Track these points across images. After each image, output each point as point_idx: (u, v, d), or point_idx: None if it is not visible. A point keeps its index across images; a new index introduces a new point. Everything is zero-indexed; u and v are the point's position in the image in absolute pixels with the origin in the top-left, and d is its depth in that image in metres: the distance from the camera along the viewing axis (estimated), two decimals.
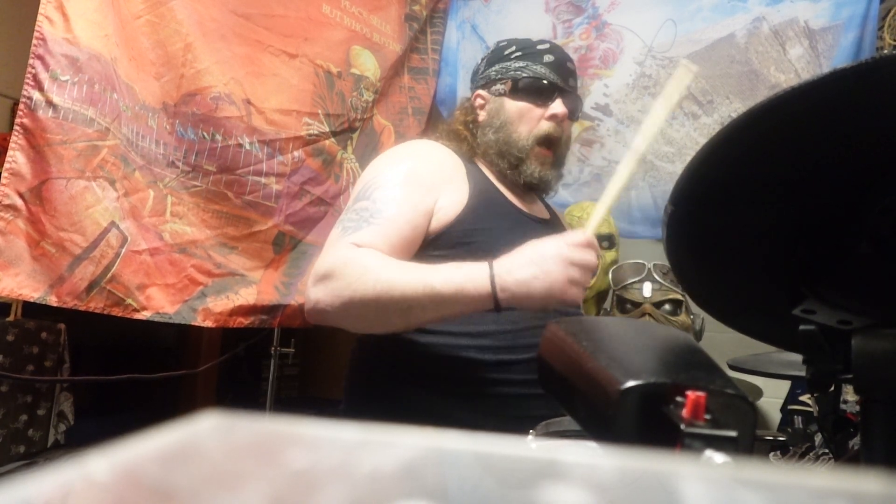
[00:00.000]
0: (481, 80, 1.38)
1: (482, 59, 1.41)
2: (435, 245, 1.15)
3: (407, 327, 1.05)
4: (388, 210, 1.11)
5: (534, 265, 0.97)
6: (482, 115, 1.35)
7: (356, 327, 1.08)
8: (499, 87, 1.33)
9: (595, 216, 1.06)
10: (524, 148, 1.28)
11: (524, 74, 1.30)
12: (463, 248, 1.14)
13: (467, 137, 1.33)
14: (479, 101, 1.36)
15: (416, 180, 1.18)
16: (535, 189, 1.34)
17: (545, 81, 1.30)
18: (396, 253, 1.08)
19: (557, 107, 1.29)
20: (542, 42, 1.35)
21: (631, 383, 0.41)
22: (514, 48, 1.35)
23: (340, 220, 1.14)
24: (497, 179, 1.31)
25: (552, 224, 1.37)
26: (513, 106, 1.30)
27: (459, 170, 1.24)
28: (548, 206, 1.43)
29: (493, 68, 1.35)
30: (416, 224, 1.14)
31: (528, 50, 1.33)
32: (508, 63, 1.33)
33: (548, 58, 1.31)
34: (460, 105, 1.42)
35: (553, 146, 1.31)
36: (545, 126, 1.29)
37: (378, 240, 1.07)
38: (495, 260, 1.00)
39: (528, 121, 1.30)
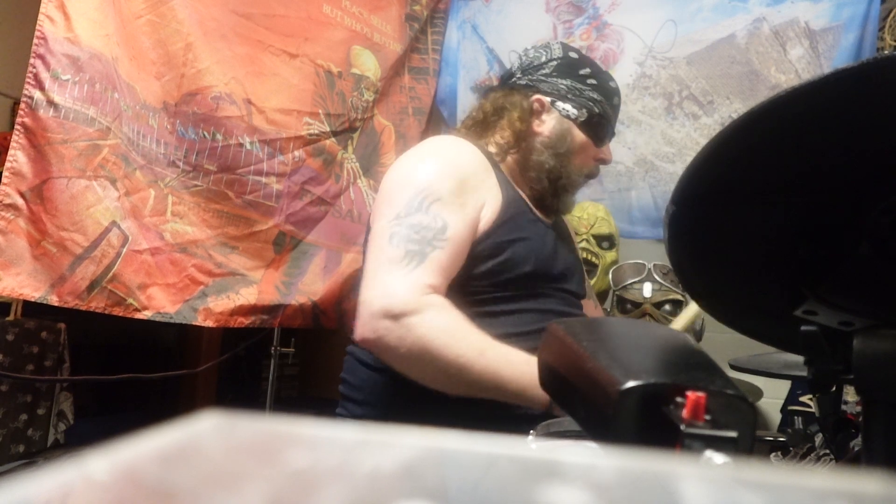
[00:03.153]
0: (545, 84, 1.29)
1: (547, 58, 1.30)
2: (471, 253, 1.14)
3: (454, 394, 1.05)
4: (450, 230, 1.09)
5: None
6: (538, 126, 1.28)
7: (409, 374, 1.05)
8: (568, 108, 1.27)
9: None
10: (575, 183, 1.30)
11: (598, 111, 1.27)
12: (495, 258, 1.15)
13: (511, 143, 1.28)
14: (537, 107, 1.28)
15: (467, 189, 1.15)
16: (559, 213, 1.37)
17: (610, 125, 1.31)
18: (454, 273, 1.10)
19: (609, 154, 1.33)
20: (612, 79, 1.33)
21: (631, 383, 0.41)
22: (588, 70, 1.29)
23: (395, 233, 1.07)
24: (518, 186, 1.29)
25: (557, 226, 1.37)
26: (579, 137, 1.27)
27: (492, 175, 1.22)
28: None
29: (565, 82, 1.28)
30: (469, 240, 1.14)
31: (602, 83, 1.29)
32: (583, 87, 1.27)
33: (616, 100, 1.31)
34: (517, 101, 1.30)
35: (585, 181, 1.35)
36: (593, 167, 1.32)
37: (442, 271, 1.07)
38: None
39: (585, 157, 1.30)
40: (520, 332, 1.12)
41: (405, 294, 1.02)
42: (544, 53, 1.32)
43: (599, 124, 1.28)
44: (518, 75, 1.33)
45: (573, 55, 1.31)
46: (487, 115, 1.32)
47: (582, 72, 1.29)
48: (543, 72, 1.30)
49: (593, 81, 1.28)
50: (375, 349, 1.05)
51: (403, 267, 1.05)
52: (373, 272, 1.08)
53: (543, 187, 1.28)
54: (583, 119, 1.27)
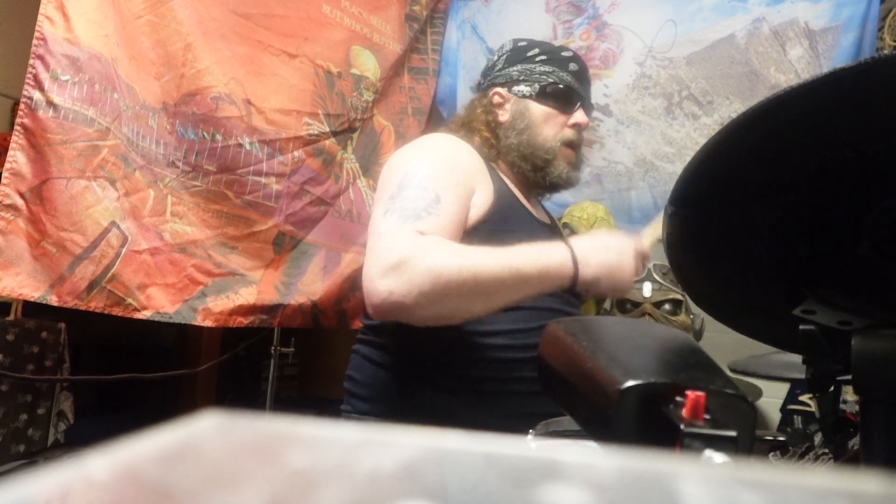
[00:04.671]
0: (499, 77, 1.35)
1: (499, 56, 1.38)
2: (465, 243, 1.14)
3: (487, 311, 1.03)
4: (444, 200, 1.08)
5: (614, 254, 1.05)
6: (502, 116, 1.33)
7: (433, 316, 1.01)
8: (522, 88, 1.32)
9: (651, 232, 1.16)
10: (551, 149, 1.30)
11: (551, 80, 1.30)
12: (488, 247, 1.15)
13: (489, 139, 1.32)
14: (497, 100, 1.34)
15: (458, 173, 1.16)
16: (558, 189, 1.37)
17: (571, 90, 1.31)
18: (452, 238, 1.08)
19: (581, 116, 1.33)
20: (566, 49, 1.36)
21: (630, 383, 0.41)
22: (537, 50, 1.33)
23: (388, 209, 1.07)
24: (511, 182, 1.31)
25: (553, 228, 1.39)
26: (538, 109, 1.30)
27: (483, 168, 1.24)
28: (545, 211, 1.44)
29: (515, 68, 1.33)
30: (463, 218, 1.13)
31: (553, 55, 1.33)
32: (533, 66, 1.32)
33: (573, 66, 1.33)
34: (478, 102, 1.37)
35: (575, 148, 1.34)
36: (568, 133, 1.32)
37: (439, 230, 1.05)
38: (570, 242, 1.06)
39: (553, 126, 1.31)
40: (518, 328, 1.12)
41: (398, 245, 1.01)
42: (497, 53, 1.40)
43: (558, 91, 1.31)
44: (482, 81, 1.41)
45: (522, 43, 1.37)
46: (463, 125, 1.36)
47: (530, 53, 1.34)
48: (497, 68, 1.37)
49: (543, 57, 1.33)
50: (392, 308, 0.99)
51: (397, 229, 1.04)
52: (370, 246, 1.07)
53: (522, 168, 1.31)
54: (537, 92, 1.31)
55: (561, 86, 1.30)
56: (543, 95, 1.30)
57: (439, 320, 1.02)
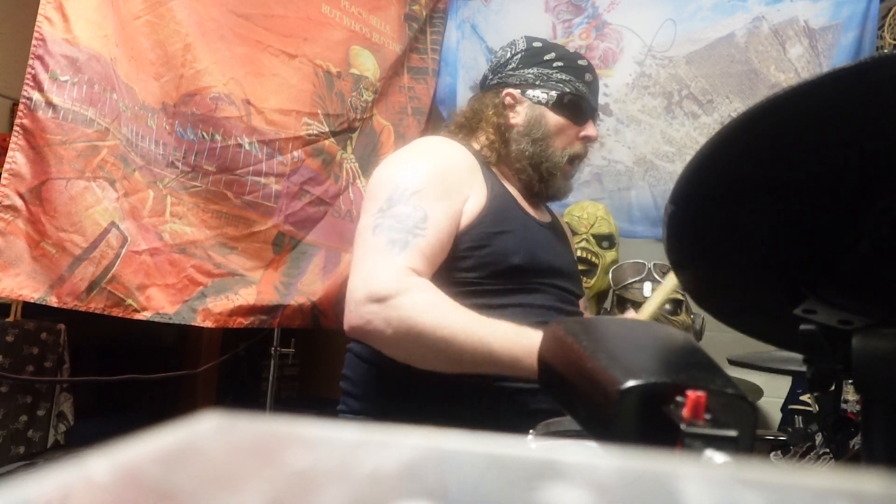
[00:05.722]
0: (513, 77, 1.32)
1: (512, 54, 1.35)
2: (456, 246, 1.16)
3: (449, 371, 1.06)
4: (431, 220, 1.10)
5: None
6: (515, 119, 1.31)
7: (400, 357, 1.07)
8: (538, 94, 1.30)
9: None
10: (558, 164, 1.30)
11: (569, 91, 1.29)
12: (481, 250, 1.16)
13: (494, 142, 1.31)
14: (508, 101, 1.32)
15: (449, 183, 1.17)
16: (551, 201, 1.38)
17: (587, 102, 1.31)
18: (437, 262, 1.11)
19: (592, 130, 1.33)
20: (581, 57, 1.36)
21: (631, 383, 0.41)
22: (553, 55, 1.32)
23: (379, 224, 1.10)
24: (508, 183, 1.31)
25: (553, 226, 1.39)
26: (553, 119, 1.30)
27: (478, 172, 1.24)
28: (547, 208, 1.44)
29: (531, 71, 1.31)
30: (452, 231, 1.15)
31: (569, 63, 1.32)
32: (550, 72, 1.30)
33: (588, 77, 1.32)
34: (488, 101, 1.34)
35: (576, 163, 1.35)
36: (578, 146, 1.33)
37: (424, 258, 1.08)
38: None
39: (565, 138, 1.31)
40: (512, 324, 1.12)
41: (388, 277, 1.04)
42: (509, 50, 1.37)
43: (573, 103, 1.30)
44: (490, 76, 1.38)
45: (537, 44, 1.35)
46: (468, 120, 1.35)
47: (547, 57, 1.32)
48: (510, 67, 1.34)
49: (560, 63, 1.31)
50: (364, 335, 1.06)
51: (386, 254, 1.06)
52: (357, 262, 1.10)
53: (529, 175, 1.31)
54: (554, 101, 1.29)
55: (578, 97, 1.30)
56: (560, 105, 1.29)
57: (404, 360, 1.07)
